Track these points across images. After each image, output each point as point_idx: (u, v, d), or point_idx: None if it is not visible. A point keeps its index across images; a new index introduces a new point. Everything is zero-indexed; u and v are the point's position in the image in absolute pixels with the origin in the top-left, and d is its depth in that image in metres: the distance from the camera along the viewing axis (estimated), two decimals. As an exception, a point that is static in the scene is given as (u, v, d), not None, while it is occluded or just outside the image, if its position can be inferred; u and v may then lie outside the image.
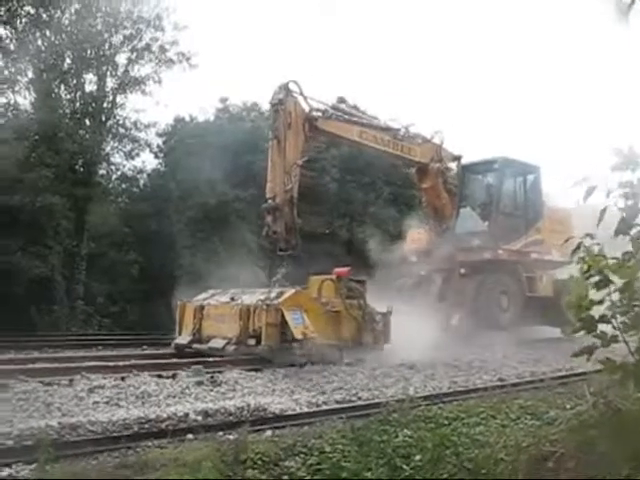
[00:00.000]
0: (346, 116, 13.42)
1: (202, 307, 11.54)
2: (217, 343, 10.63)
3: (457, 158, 16.21)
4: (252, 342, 10.26)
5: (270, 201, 11.83)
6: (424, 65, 63.70)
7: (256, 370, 9.54)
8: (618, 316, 3.26)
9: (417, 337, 11.39)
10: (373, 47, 64.58)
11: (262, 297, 10.59)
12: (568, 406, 6.57)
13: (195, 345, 11.26)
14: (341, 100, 13.58)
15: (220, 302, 11.46)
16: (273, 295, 10.62)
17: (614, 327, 3.29)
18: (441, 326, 13.90)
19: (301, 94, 12.27)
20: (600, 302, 3.33)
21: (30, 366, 9.30)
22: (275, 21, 62.30)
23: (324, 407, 7.91)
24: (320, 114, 12.68)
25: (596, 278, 3.24)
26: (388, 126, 14.39)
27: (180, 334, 11.84)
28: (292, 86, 12.15)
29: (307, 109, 12.42)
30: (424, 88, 50.73)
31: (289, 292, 10.70)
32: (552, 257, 16.19)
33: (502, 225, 15.47)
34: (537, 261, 16.07)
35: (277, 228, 11.66)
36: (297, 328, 10.04)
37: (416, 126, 14.92)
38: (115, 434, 6.09)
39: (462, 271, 15.37)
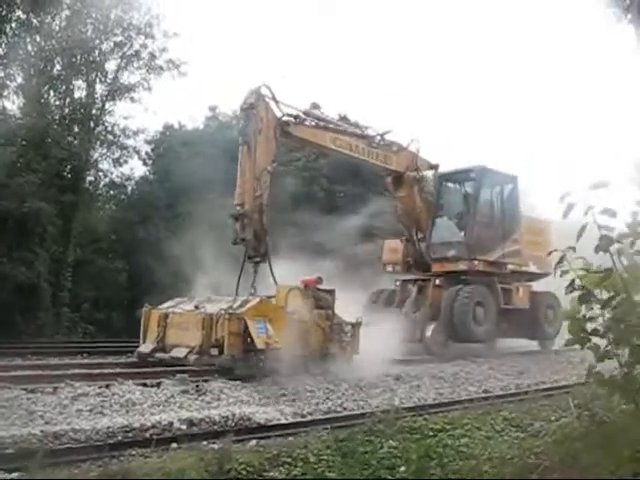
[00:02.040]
0: (320, 122, 13.10)
1: (166, 315, 11.21)
2: (179, 352, 10.37)
3: (434, 167, 15.89)
4: (215, 352, 9.99)
5: (239, 208, 11.55)
6: (411, 70, 63.86)
7: (241, 379, 9.48)
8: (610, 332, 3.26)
9: (389, 348, 11.22)
10: (364, 51, 64.66)
11: (225, 306, 10.35)
12: (553, 418, 6.61)
13: (158, 354, 10.94)
14: (314, 106, 13.21)
15: (184, 310, 11.18)
16: (237, 304, 10.38)
17: (609, 341, 3.30)
18: (415, 337, 13.82)
19: (273, 98, 11.92)
20: (592, 318, 3.34)
21: (13, 373, 9.20)
22: (269, 25, 62.42)
23: (309, 417, 7.91)
24: (292, 119, 12.36)
25: (578, 292, 3.25)
26: (363, 133, 14.09)
27: (144, 342, 11.50)
28: (264, 90, 11.77)
29: (279, 114, 12.10)
30: (410, 92, 51.00)
31: (253, 301, 10.46)
32: (529, 269, 16.07)
33: (478, 235, 15.17)
34: (514, 273, 15.84)
35: (246, 235, 11.35)
36: (260, 338, 9.78)
37: (393, 133, 14.64)
38: (99, 443, 6.06)
39: (437, 282, 15.21)
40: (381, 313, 12.72)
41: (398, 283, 16.01)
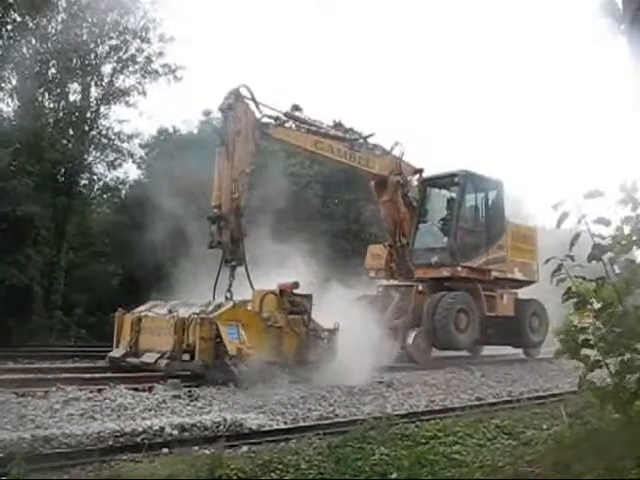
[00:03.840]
0: (301, 124, 12.87)
1: (139, 319, 10.97)
2: (149, 357, 10.12)
3: (418, 171, 15.69)
4: (186, 357, 9.78)
5: (215, 210, 11.34)
6: (403, 73, 64.43)
7: (234, 385, 9.43)
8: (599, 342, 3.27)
9: (369, 355, 10.95)
10: (357, 54, 64.98)
11: (198, 310, 10.14)
12: (545, 426, 6.62)
13: (129, 359, 10.71)
14: (296, 107, 12.87)
15: (157, 314, 10.93)
16: (210, 308, 10.19)
17: (598, 351, 3.31)
18: (397, 344, 13.55)
19: (252, 99, 11.74)
20: (583, 328, 3.35)
21: (4, 376, 9.17)
22: (265, 28, 62.59)
23: (301, 423, 7.88)
24: (272, 121, 12.16)
25: (575, 300, 3.26)
26: (345, 136, 13.85)
27: (117, 347, 11.29)
28: (243, 91, 11.61)
29: (258, 115, 11.88)
30: (403, 95, 51.23)
31: (226, 305, 10.28)
32: (514, 275, 15.90)
33: (462, 241, 14.96)
34: (498, 279, 15.61)
35: (223, 238, 11.16)
36: (232, 343, 9.55)
37: (379, 137, 14.52)
38: (89, 447, 6.02)
39: (419, 288, 14.98)
40: (362, 319, 12.42)
41: (380, 289, 15.80)
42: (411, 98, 63.23)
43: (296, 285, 10.84)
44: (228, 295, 10.94)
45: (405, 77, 63.32)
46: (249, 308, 10.61)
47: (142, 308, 11.63)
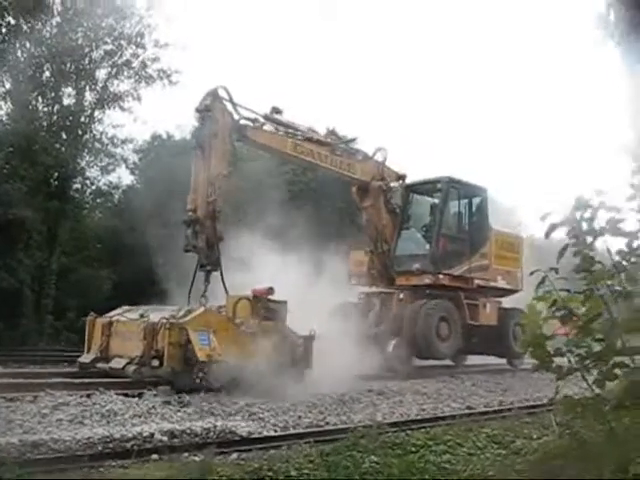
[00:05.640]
0: (280, 127, 12.58)
1: (110, 324, 10.73)
2: (118, 363, 9.86)
3: (401, 177, 15.35)
4: (155, 363, 9.49)
5: (191, 213, 11.12)
6: (398, 80, 64.66)
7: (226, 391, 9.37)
8: (574, 349, 3.25)
9: (347, 364, 10.76)
10: (355, 59, 65.13)
11: (168, 315, 9.85)
12: (534, 436, 6.65)
13: (99, 364, 10.42)
14: (275, 110, 12.54)
15: (128, 319, 10.66)
16: (181, 313, 9.94)
17: (569, 361, 3.29)
18: (377, 353, 13.02)
19: (230, 101, 11.51)
20: (552, 337, 3.33)
21: (-7, 381, 9.11)
22: (262, 32, 62.74)
23: (292, 431, 7.87)
24: (250, 123, 11.92)
25: (562, 312, 3.25)
26: (326, 140, 13.55)
27: (88, 352, 10.99)
28: (221, 92, 11.39)
29: (236, 117, 11.65)
30: (397, 102, 51.44)
31: (197, 311, 10.01)
32: (497, 284, 15.68)
33: (444, 248, 14.64)
34: (481, 287, 15.29)
35: (198, 242, 10.97)
36: (202, 349, 9.28)
37: (372, 142, 14.39)
38: (78, 453, 5.99)
39: (401, 296, 14.72)
40: (342, 327, 12.20)
41: (362, 296, 15.54)
42: (406, 105, 63.48)
43: (271, 291, 10.62)
44: (203, 300, 10.77)
45: (400, 84, 63.56)
46: (222, 313, 10.49)
47: (114, 313, 11.37)
